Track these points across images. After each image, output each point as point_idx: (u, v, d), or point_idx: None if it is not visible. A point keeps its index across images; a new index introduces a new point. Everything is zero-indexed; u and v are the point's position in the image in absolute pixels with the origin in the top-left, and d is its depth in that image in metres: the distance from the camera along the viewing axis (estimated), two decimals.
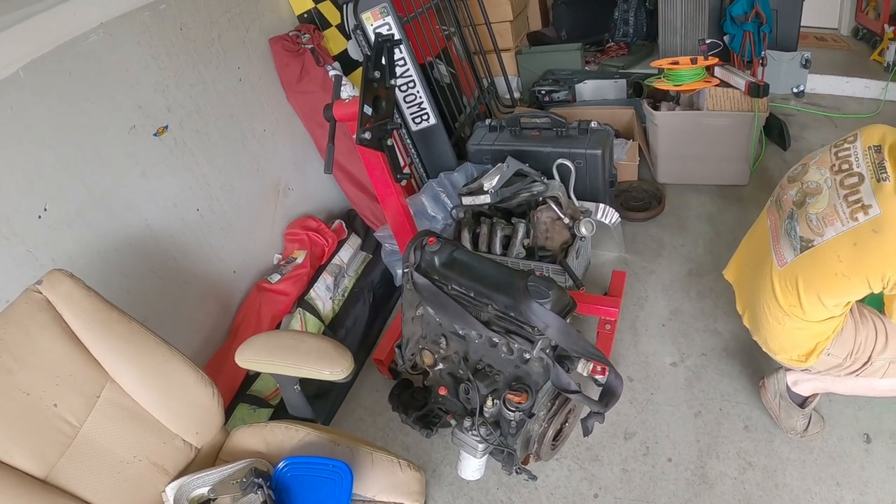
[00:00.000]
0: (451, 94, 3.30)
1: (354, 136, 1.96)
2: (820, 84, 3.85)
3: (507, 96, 3.95)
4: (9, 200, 1.69)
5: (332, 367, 1.52)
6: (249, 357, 1.64)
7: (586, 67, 4.21)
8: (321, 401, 2.39)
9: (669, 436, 2.16)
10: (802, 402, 2.03)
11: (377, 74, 2.05)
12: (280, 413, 2.26)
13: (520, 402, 1.66)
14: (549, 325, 1.56)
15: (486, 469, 1.94)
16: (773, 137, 3.44)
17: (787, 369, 2.03)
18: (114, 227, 2.01)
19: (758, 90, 2.81)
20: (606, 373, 1.78)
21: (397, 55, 2.88)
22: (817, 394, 2.02)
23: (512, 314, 1.64)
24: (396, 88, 2.77)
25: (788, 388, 2.03)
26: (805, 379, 1.99)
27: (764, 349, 1.92)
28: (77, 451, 1.41)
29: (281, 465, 1.50)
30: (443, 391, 1.85)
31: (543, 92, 3.75)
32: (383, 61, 2.09)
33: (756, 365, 2.28)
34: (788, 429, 2.04)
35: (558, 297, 1.58)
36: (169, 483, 1.50)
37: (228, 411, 2.22)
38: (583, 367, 1.72)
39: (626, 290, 2.59)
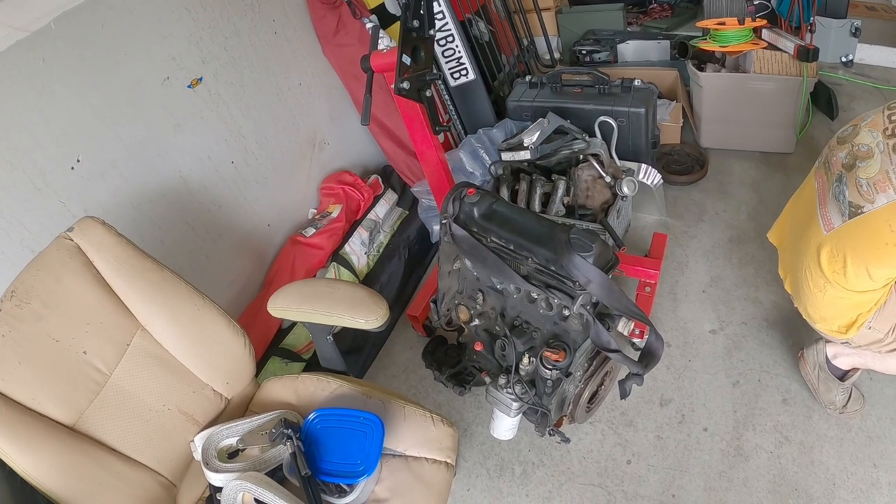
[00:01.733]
0: (490, 51, 3.22)
1: (392, 87, 1.92)
2: (869, 54, 3.68)
3: (547, 56, 3.85)
4: (42, 152, 1.68)
5: (366, 315, 1.49)
6: (282, 305, 1.61)
7: (628, 28, 4.09)
8: (354, 356, 2.38)
9: (706, 405, 2.12)
10: (842, 376, 1.97)
11: (416, 24, 1.99)
12: (312, 368, 2.25)
13: (557, 361, 1.62)
14: (590, 280, 1.51)
15: (518, 430, 1.92)
16: (820, 106, 3.32)
17: (828, 341, 1.97)
18: (148, 179, 1.99)
19: (807, 54, 2.70)
20: (645, 335, 1.74)
21: (436, 8, 2.81)
22: (858, 369, 1.96)
23: (552, 268, 1.59)
24: (435, 42, 2.71)
25: (828, 361, 1.98)
26: (845, 353, 1.93)
27: (804, 317, 1.86)
28: (106, 398, 1.40)
29: (311, 416, 1.48)
30: (479, 347, 1.82)
31: (584, 52, 3.65)
32: (422, 11, 2.02)
33: (797, 337, 2.22)
34: (827, 403, 1.99)
35: (601, 252, 1.52)
36: (198, 433, 1.49)
37: (260, 365, 2.23)
38: (624, 326, 1.67)
39: (667, 254, 2.53)
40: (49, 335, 1.34)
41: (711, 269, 2.58)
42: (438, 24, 2.86)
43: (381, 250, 2.69)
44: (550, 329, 1.69)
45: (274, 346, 2.31)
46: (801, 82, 2.78)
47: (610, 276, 1.54)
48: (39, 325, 1.33)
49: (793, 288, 1.89)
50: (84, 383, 1.37)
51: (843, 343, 1.85)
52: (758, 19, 2.95)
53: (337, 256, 2.49)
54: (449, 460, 1.49)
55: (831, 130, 3.13)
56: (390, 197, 2.85)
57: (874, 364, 1.88)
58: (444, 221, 1.79)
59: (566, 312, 1.63)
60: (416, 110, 2.07)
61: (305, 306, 1.58)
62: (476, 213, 1.73)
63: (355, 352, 2.38)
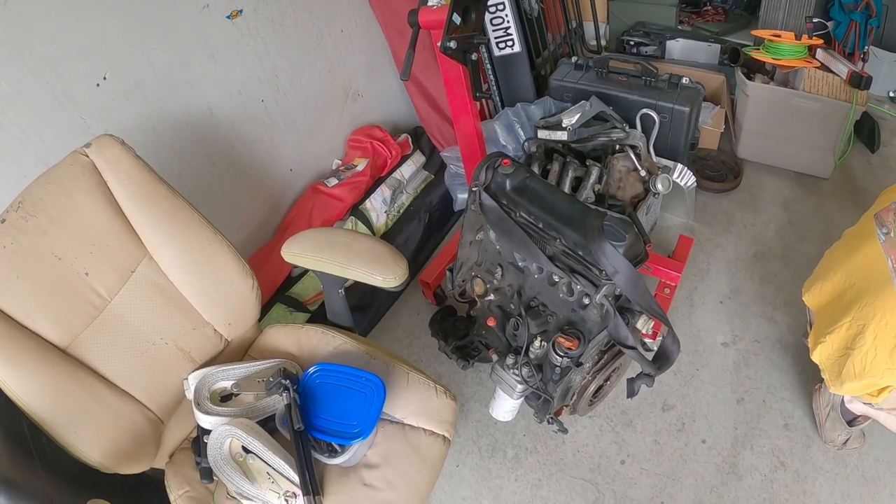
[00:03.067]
0: (537, 28, 3.15)
1: (438, 44, 1.85)
2: None
3: (593, 42, 3.78)
4: (67, 65, 1.62)
5: (384, 272, 1.44)
6: (297, 251, 1.56)
7: (679, 26, 4.01)
8: (359, 314, 2.34)
9: (707, 416, 2.09)
10: (852, 420, 1.94)
11: None
12: (317, 320, 2.20)
13: (570, 348, 1.57)
14: (618, 271, 1.45)
15: (516, 413, 1.89)
16: (862, 136, 3.24)
17: None
18: (173, 106, 1.94)
19: (860, 81, 2.64)
20: (658, 336, 1.69)
21: None
22: (869, 417, 1.92)
23: (580, 253, 1.53)
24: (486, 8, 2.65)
25: (843, 403, 1.94)
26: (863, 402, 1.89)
27: (830, 382, 1.76)
28: (103, 324, 1.36)
29: (312, 369, 1.45)
30: (491, 322, 1.77)
31: (632, 43, 3.58)
32: None
33: (808, 364, 2.14)
34: (828, 440, 1.97)
35: (633, 243, 1.46)
36: (192, 371, 1.46)
37: (264, 310, 2.19)
38: (643, 324, 1.62)
39: (689, 259, 2.48)
40: (52, 252, 1.29)
41: (732, 281, 2.53)
42: None
43: (401, 211, 2.64)
44: (567, 315, 1.64)
45: (280, 294, 2.27)
46: (849, 108, 2.71)
47: (637, 270, 1.49)
48: (43, 239, 1.28)
49: (829, 358, 1.77)
50: (82, 306, 1.33)
51: (865, 404, 1.81)
52: (814, 38, 2.89)
53: (356, 211, 2.45)
54: (447, 434, 1.46)
55: (870, 163, 3.09)
56: (418, 159, 2.80)
57: (885, 420, 1.83)
58: (474, 189, 1.73)
59: (586, 301, 1.58)
60: (458, 73, 2.01)
61: (322, 255, 1.52)
62: (508, 185, 1.67)
63: (361, 309, 2.35)
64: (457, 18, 1.86)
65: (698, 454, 1.99)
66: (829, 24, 3.19)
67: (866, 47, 3.11)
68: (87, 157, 1.36)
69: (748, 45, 3.10)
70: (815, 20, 2.99)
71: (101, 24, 1.67)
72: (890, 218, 1.63)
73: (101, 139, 1.38)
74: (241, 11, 2.07)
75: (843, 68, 2.74)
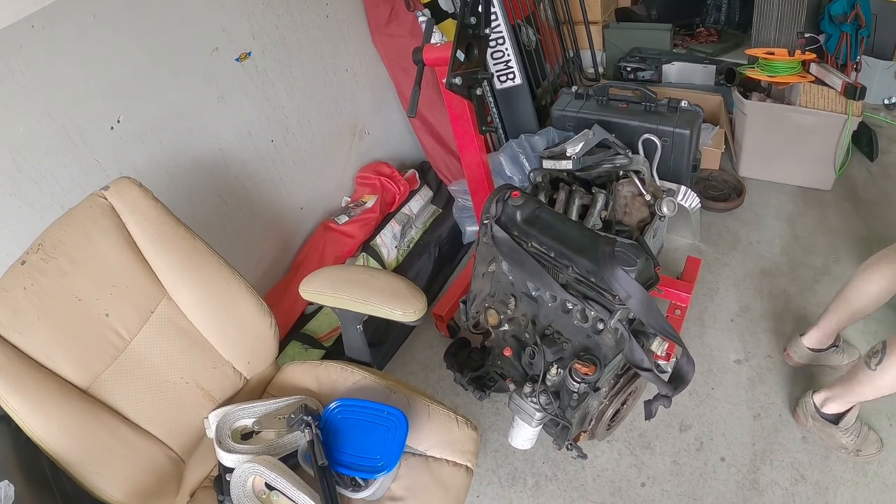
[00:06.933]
0: (536, 59, 3.21)
1: (444, 81, 1.90)
2: None
3: (591, 70, 3.83)
4: (83, 108, 1.66)
5: (404, 307, 1.46)
6: (316, 289, 1.58)
7: (674, 50, 4.06)
8: (374, 349, 2.36)
9: (725, 434, 2.09)
10: (837, 420, 1.95)
11: (473, 20, 1.97)
12: (332, 356, 2.24)
13: (587, 374, 1.59)
14: (631, 295, 1.48)
15: (535, 441, 1.88)
16: (860, 146, 3.27)
17: (814, 391, 1.99)
18: (186, 148, 1.98)
19: (854, 92, 2.67)
20: (672, 358, 1.70)
21: (491, 8, 2.78)
22: (851, 408, 1.94)
23: (593, 279, 1.56)
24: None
25: (817, 409, 1.97)
26: (834, 397, 1.93)
27: None
28: (124, 364, 1.37)
29: (333, 405, 1.45)
30: (508, 352, 1.79)
31: (629, 69, 3.63)
32: (480, 9, 2.00)
33: (825, 376, 2.19)
34: (837, 448, 1.98)
35: (644, 268, 1.50)
36: (213, 410, 1.46)
37: (280, 348, 2.18)
38: (658, 346, 1.64)
39: (698, 279, 2.49)
40: (72, 293, 1.31)
41: (741, 299, 2.54)
42: (492, 24, 2.84)
43: (411, 245, 2.67)
44: (582, 342, 1.66)
45: (295, 331, 2.29)
46: (846, 120, 2.75)
47: (649, 293, 1.52)
48: (63, 281, 1.30)
49: None
50: (102, 346, 1.34)
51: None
52: (807, 52, 2.92)
53: (367, 247, 2.48)
54: (469, 464, 1.46)
55: (870, 172, 3.11)
56: (425, 193, 2.83)
57: (865, 392, 1.83)
58: (485, 222, 1.76)
59: (601, 326, 1.59)
60: (463, 108, 2.06)
61: (341, 292, 1.54)
62: (519, 216, 1.70)
63: (376, 344, 2.36)
64: (460, 55, 1.90)
65: (718, 472, 1.99)
66: (820, 37, 3.23)
67: (858, 57, 3.14)
68: (106, 199, 1.39)
69: (743, 64, 3.13)
70: (806, 35, 3.03)
71: (115, 69, 1.72)
72: None
73: (118, 181, 1.41)
74: (249, 54, 2.13)
75: (837, 80, 2.77)
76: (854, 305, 2.00)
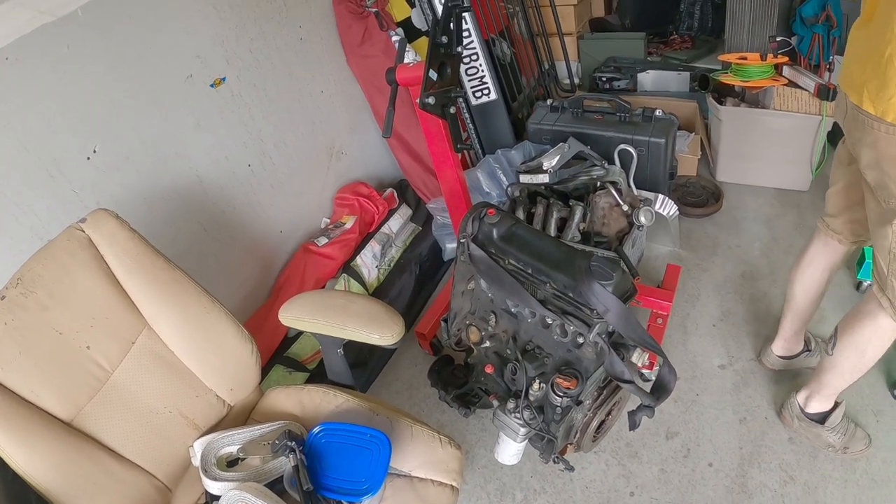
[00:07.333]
0: (511, 73, 3.23)
1: (417, 101, 1.90)
2: None
3: (567, 81, 3.86)
4: (58, 140, 1.67)
5: (381, 330, 1.46)
6: (294, 315, 1.58)
7: (648, 58, 4.10)
8: (358, 370, 2.35)
9: (712, 440, 2.10)
10: (822, 419, 1.98)
11: (445, 39, 1.98)
12: (316, 378, 2.23)
13: (569, 388, 1.59)
14: (608, 309, 1.49)
15: (522, 456, 1.88)
16: (835, 145, 3.29)
17: (796, 391, 2.02)
18: (163, 176, 1.98)
19: (827, 93, 2.71)
20: (655, 367, 1.71)
21: (463, 25, 2.81)
22: (836, 407, 1.97)
23: (570, 294, 1.57)
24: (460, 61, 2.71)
25: (802, 410, 2.00)
26: (810, 394, 1.96)
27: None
28: (106, 396, 1.37)
29: (316, 429, 1.45)
30: (489, 369, 1.79)
31: (605, 79, 3.66)
32: (452, 27, 2.02)
33: (806, 376, 2.18)
34: (825, 447, 2.00)
35: (621, 281, 1.50)
36: (197, 438, 1.46)
37: (263, 372, 2.19)
38: (638, 357, 1.65)
39: (679, 286, 2.51)
40: (53, 327, 1.31)
41: (722, 304, 2.56)
42: (464, 41, 2.86)
43: (391, 265, 2.67)
44: (563, 356, 1.67)
45: (278, 355, 2.29)
46: (820, 120, 2.79)
47: (627, 306, 1.53)
48: (44, 315, 1.30)
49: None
50: (85, 379, 1.34)
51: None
52: (780, 56, 2.95)
53: (348, 268, 2.47)
54: (455, 483, 1.46)
55: None
56: (404, 212, 2.84)
57: (830, 380, 1.86)
58: (462, 241, 1.77)
59: (580, 340, 1.60)
60: (438, 126, 2.06)
61: (319, 318, 1.55)
62: (495, 234, 1.71)
63: (360, 366, 2.36)
64: (433, 74, 1.90)
65: (706, 478, 2.00)
66: (792, 39, 3.27)
67: (831, 57, 3.17)
68: (83, 231, 1.39)
69: (717, 70, 3.16)
70: (778, 39, 3.06)
71: (90, 99, 1.72)
72: None
73: (95, 213, 1.41)
74: (223, 79, 2.13)
75: (810, 82, 2.80)
76: (799, 304, 2.05)
